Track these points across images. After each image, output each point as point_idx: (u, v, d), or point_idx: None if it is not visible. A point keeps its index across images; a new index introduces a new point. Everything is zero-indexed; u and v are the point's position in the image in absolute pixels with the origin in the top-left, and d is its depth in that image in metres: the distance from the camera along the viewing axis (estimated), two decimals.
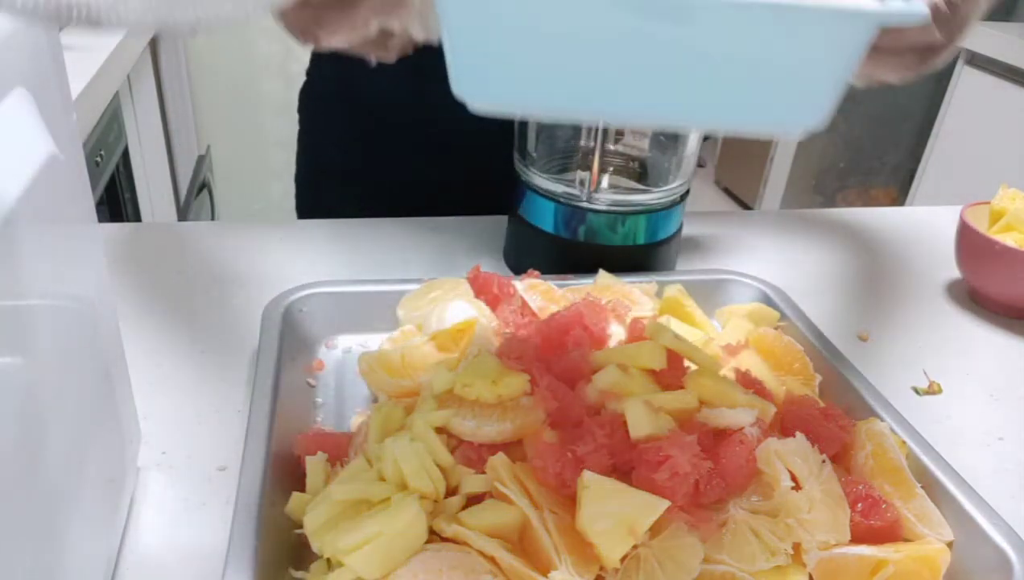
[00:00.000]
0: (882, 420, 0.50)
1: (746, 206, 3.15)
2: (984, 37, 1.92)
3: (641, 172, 0.70)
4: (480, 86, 0.32)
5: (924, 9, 0.30)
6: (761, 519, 0.42)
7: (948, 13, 0.34)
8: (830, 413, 0.49)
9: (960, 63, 2.03)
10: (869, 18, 0.30)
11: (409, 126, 0.83)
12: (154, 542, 0.43)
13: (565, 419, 0.45)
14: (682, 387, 0.48)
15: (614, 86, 0.31)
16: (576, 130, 0.69)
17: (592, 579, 0.39)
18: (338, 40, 0.34)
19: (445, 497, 0.42)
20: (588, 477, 0.40)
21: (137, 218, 1.54)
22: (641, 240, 0.66)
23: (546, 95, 0.32)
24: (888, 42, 0.35)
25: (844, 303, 0.71)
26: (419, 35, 0.36)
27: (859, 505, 0.43)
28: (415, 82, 0.78)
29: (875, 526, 0.43)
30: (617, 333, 0.56)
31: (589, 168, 0.64)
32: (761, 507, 0.42)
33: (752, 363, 0.54)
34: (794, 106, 0.32)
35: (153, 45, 1.66)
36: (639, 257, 0.67)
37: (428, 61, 0.71)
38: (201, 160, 1.82)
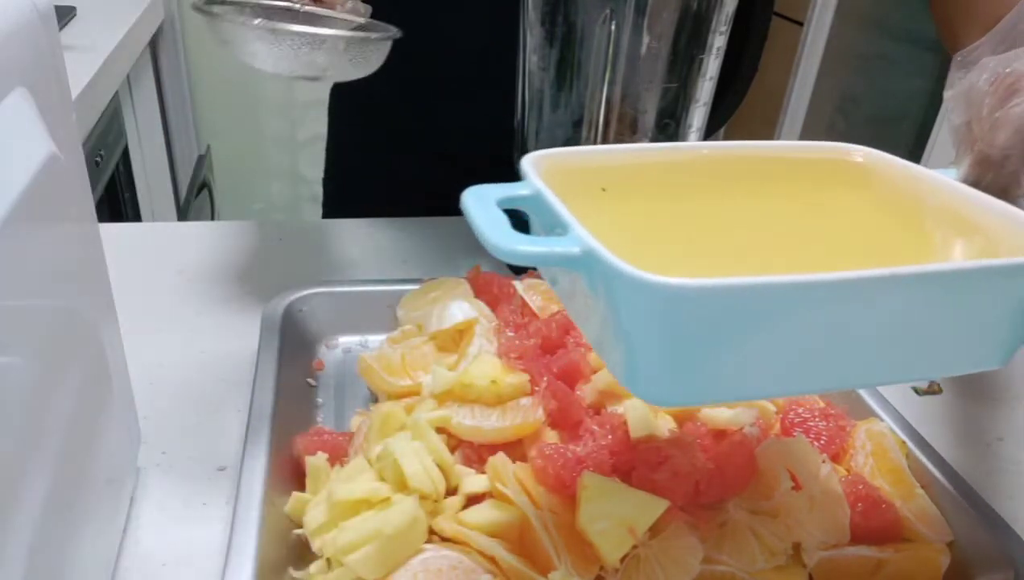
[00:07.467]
0: (882, 420, 0.50)
1: None
2: None
3: None
4: (663, 391, 0.30)
5: None
6: (761, 519, 0.42)
7: None
8: (830, 413, 0.49)
9: None
10: None
11: (409, 126, 0.83)
12: (154, 542, 0.43)
13: (565, 419, 0.45)
14: None
15: (803, 369, 0.30)
16: (576, 129, 0.69)
17: (592, 579, 0.39)
18: None
19: (445, 497, 0.42)
20: (588, 477, 0.40)
21: (137, 218, 1.54)
22: None
23: (733, 390, 0.31)
24: None
25: None
26: None
27: (859, 505, 0.43)
28: (417, 83, 0.78)
29: (875, 526, 0.43)
30: None
31: None
32: (761, 507, 0.42)
33: None
34: (979, 355, 0.32)
35: (153, 45, 1.66)
36: None
37: (431, 61, 0.71)
38: (201, 160, 1.82)
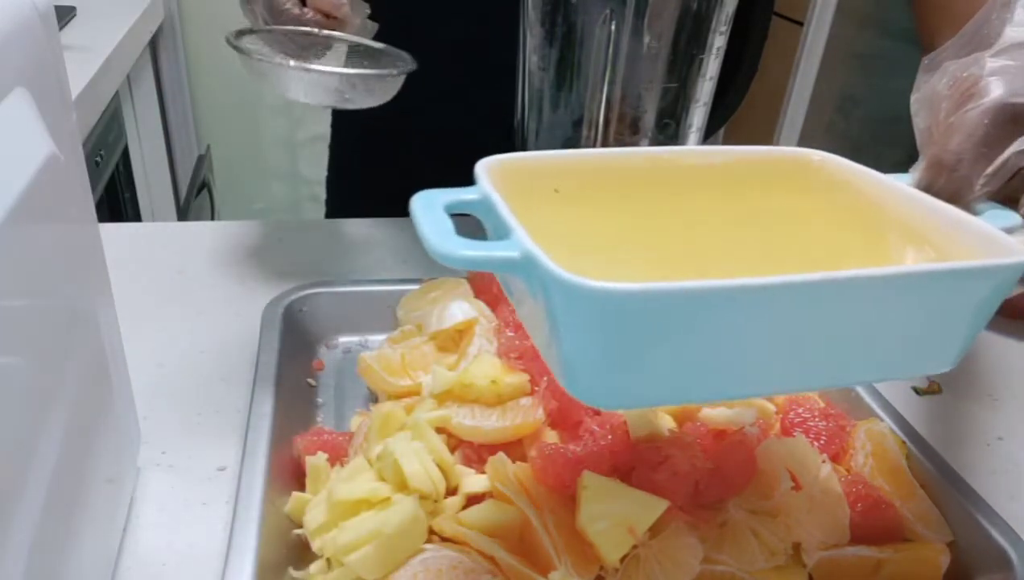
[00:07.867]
0: (882, 420, 0.50)
1: None
2: None
3: None
4: (602, 394, 0.30)
5: None
6: (761, 519, 0.42)
7: None
8: (830, 413, 0.49)
9: None
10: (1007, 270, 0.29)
11: (410, 127, 0.83)
12: (154, 542, 0.43)
13: (565, 419, 0.45)
14: None
15: (744, 373, 0.30)
16: (576, 129, 0.69)
17: (592, 579, 0.39)
18: None
19: (445, 497, 0.42)
20: (588, 477, 0.40)
21: (137, 218, 1.54)
22: None
23: (673, 393, 0.31)
24: None
25: None
26: None
27: (859, 505, 0.43)
28: (418, 84, 0.78)
29: (875, 526, 0.43)
30: None
31: None
32: (761, 507, 0.42)
33: None
34: (928, 358, 0.32)
35: (153, 45, 1.66)
36: None
37: (432, 62, 0.71)
38: (201, 160, 1.82)
